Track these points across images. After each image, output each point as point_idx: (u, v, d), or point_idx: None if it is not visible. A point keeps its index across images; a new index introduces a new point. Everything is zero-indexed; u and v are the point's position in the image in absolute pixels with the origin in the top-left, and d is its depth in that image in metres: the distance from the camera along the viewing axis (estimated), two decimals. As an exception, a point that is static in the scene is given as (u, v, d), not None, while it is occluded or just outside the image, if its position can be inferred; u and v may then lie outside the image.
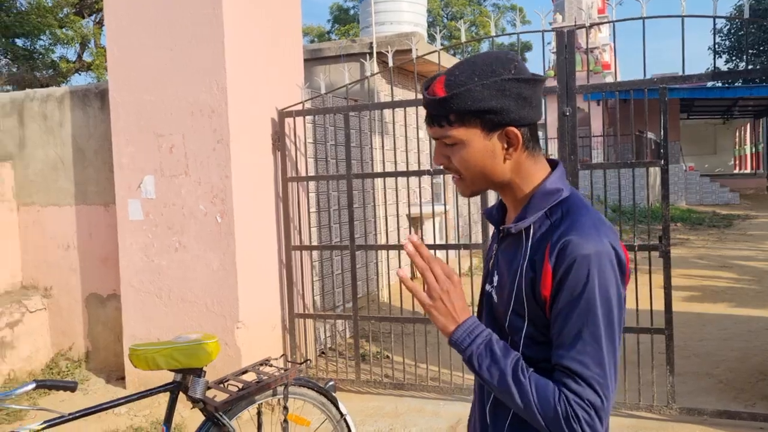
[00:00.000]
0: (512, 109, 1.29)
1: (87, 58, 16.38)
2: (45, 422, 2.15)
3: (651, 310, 4.16)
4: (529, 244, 1.31)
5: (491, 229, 1.57)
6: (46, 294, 5.61)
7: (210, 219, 4.67)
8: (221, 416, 2.44)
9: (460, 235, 9.67)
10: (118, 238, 4.99)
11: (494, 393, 1.31)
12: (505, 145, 1.32)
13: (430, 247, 5.12)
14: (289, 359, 2.74)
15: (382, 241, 7.40)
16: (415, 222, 8.53)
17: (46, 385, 2.12)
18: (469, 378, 4.61)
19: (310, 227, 5.21)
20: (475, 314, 1.44)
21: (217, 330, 4.67)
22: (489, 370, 1.26)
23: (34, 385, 2.09)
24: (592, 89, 4.41)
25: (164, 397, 4.78)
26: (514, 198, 1.38)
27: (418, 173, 4.63)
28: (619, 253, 1.28)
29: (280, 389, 2.57)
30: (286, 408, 2.58)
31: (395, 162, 5.13)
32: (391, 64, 4.72)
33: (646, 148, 16.98)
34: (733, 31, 33.03)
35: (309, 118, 5.33)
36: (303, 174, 5.15)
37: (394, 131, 5.07)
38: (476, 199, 5.28)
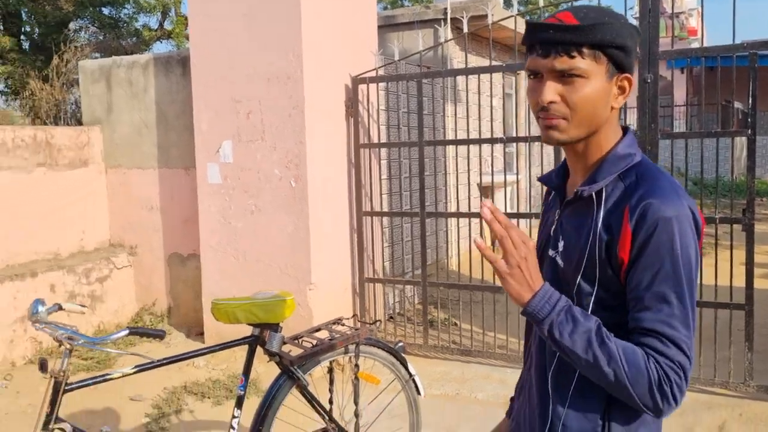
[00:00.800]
0: (633, 55, 1.30)
1: (168, 26, 16.86)
2: (136, 366, 2.31)
3: (731, 284, 4.03)
4: (602, 207, 1.29)
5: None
6: (131, 252, 5.92)
7: (284, 183, 4.80)
8: (296, 370, 2.55)
9: (531, 205, 9.56)
10: (198, 200, 5.20)
11: (574, 361, 1.25)
12: (617, 92, 1.31)
13: (501, 215, 5.11)
14: (360, 320, 2.82)
15: (452, 209, 7.40)
16: (486, 191, 8.48)
17: (138, 332, 2.28)
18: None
19: (381, 194, 5.27)
20: None
21: (290, 291, 4.82)
22: (572, 338, 1.22)
23: (127, 332, 2.26)
24: (677, 55, 4.24)
25: (240, 352, 4.99)
26: (584, 160, 1.35)
27: (491, 141, 4.60)
28: (696, 216, 1.27)
29: (352, 348, 2.66)
30: (357, 366, 2.67)
31: (467, 130, 5.10)
32: (465, 30, 4.68)
33: (733, 118, 16.13)
34: (835, -7, 30.70)
35: (382, 85, 5.35)
36: (375, 141, 5.19)
37: (467, 99, 5.03)
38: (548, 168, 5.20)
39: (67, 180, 5.63)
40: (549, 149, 9.48)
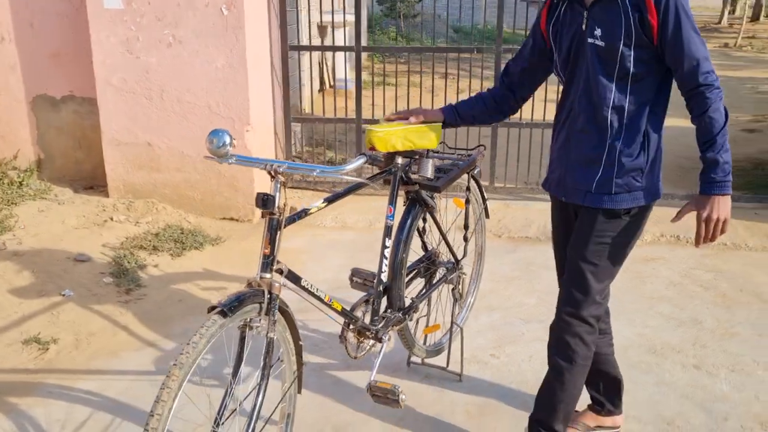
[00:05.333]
0: None
1: None
2: (324, 200, 2.11)
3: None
4: None
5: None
6: (-25, 95, 4.80)
7: (212, 11, 4.25)
8: (429, 196, 2.53)
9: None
10: (90, 30, 4.36)
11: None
12: None
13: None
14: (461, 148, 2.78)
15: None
16: (324, 30, 8.28)
17: (370, 158, 2.08)
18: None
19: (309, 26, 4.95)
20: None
21: (223, 133, 4.45)
22: (729, 157, 1.91)
23: (364, 159, 2.03)
24: None
25: (163, 205, 4.57)
26: None
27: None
28: None
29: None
30: (468, 189, 2.73)
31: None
32: None
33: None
34: None
35: None
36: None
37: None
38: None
39: None
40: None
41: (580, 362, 2.17)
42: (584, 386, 2.29)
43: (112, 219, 4.38)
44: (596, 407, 2.48)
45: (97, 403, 2.66)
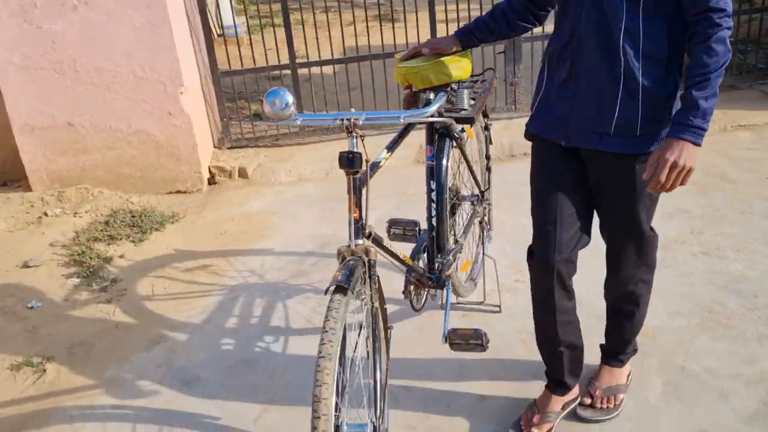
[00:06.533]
0: None
1: None
2: (386, 148, 1.92)
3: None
4: None
5: None
6: None
7: (120, -37, 3.76)
8: (457, 131, 2.39)
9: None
10: (-26, 1, 3.74)
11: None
12: None
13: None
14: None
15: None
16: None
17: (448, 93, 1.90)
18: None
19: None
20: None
21: (155, 100, 4.04)
22: (713, 102, 1.64)
23: (446, 96, 1.84)
24: None
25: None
26: None
27: None
28: None
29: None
30: (485, 116, 2.61)
31: None
32: None
33: None
34: None
35: None
36: None
37: None
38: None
39: None
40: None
41: (645, 300, 2.14)
42: (544, 362, 2.20)
43: (46, 214, 3.90)
44: (558, 389, 2.18)
45: (132, 416, 2.40)
